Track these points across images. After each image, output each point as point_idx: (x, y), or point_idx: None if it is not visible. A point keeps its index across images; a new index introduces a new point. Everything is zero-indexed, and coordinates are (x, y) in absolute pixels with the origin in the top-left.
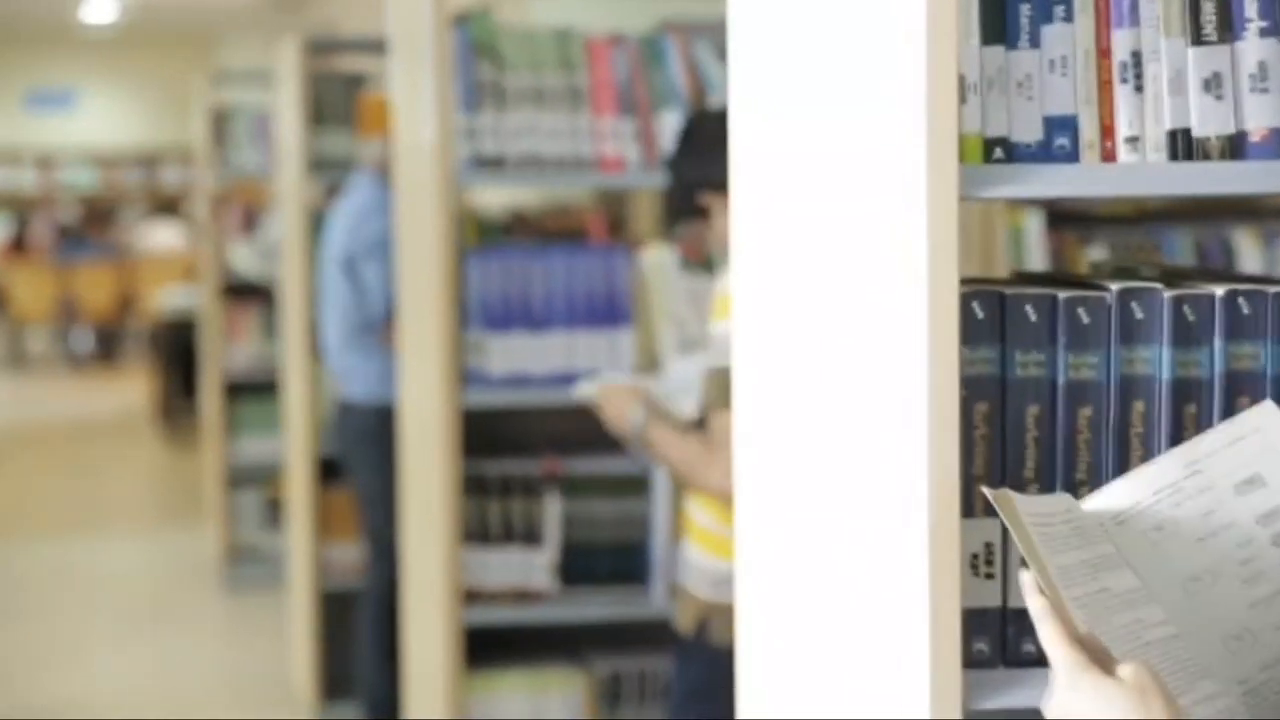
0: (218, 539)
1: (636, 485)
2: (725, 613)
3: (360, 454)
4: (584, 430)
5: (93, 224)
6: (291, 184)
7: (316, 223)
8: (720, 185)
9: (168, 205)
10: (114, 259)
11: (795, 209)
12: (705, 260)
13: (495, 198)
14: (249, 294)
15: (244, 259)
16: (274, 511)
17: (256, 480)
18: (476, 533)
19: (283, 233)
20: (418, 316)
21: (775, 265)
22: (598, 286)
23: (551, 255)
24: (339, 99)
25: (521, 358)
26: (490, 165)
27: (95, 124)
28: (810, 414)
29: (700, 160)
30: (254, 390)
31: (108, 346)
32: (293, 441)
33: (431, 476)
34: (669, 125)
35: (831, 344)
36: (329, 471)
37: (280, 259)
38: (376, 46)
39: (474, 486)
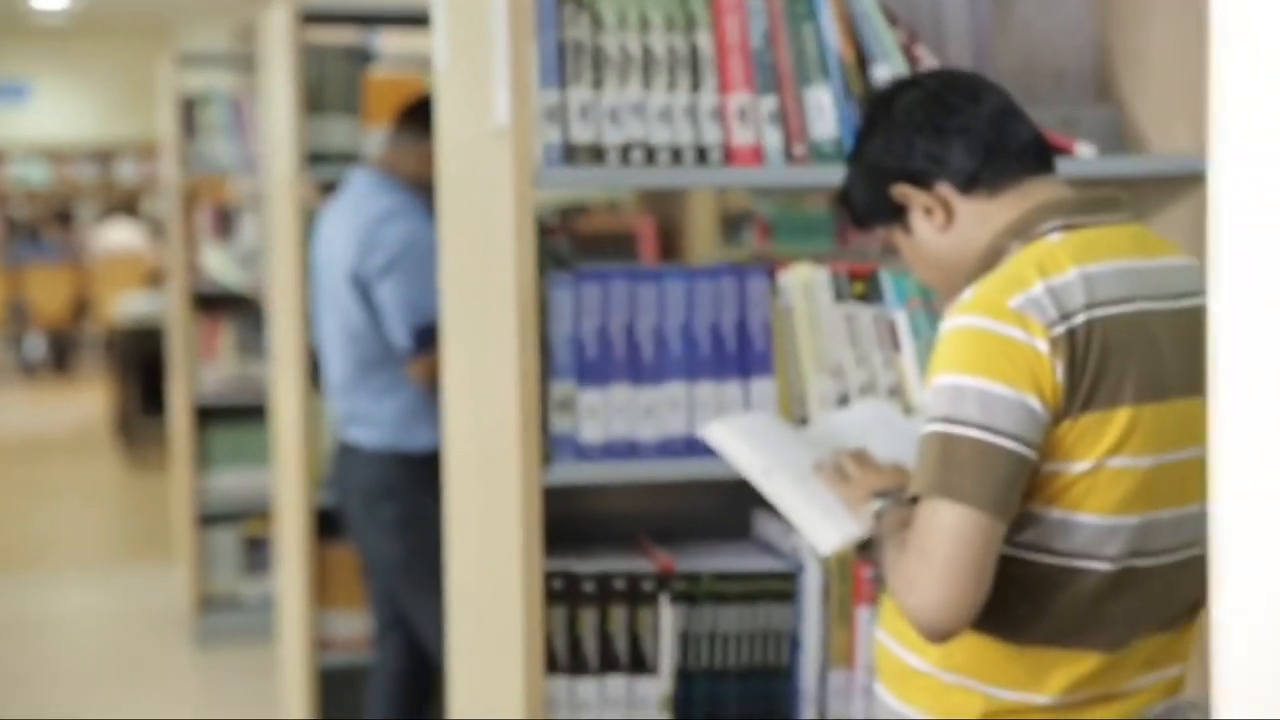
0: (188, 584)
1: (777, 588)
2: None
3: (367, 509)
4: (706, 514)
5: (46, 222)
6: (282, 180)
7: (310, 225)
8: (919, 178)
9: (125, 203)
10: (69, 260)
11: None
12: (871, 280)
13: None
14: (224, 305)
15: (218, 264)
16: (252, 553)
17: (232, 518)
18: (564, 656)
19: (271, 236)
20: (482, 365)
21: None
22: (726, 320)
23: (666, 279)
24: (338, 79)
25: (624, 419)
26: (583, 157)
27: (48, 117)
28: None
29: (893, 145)
30: (229, 415)
31: (62, 354)
32: (284, 484)
33: (503, 582)
34: (821, 105)
35: None
36: (325, 524)
37: (263, 266)
38: (381, 18)
39: (561, 592)
